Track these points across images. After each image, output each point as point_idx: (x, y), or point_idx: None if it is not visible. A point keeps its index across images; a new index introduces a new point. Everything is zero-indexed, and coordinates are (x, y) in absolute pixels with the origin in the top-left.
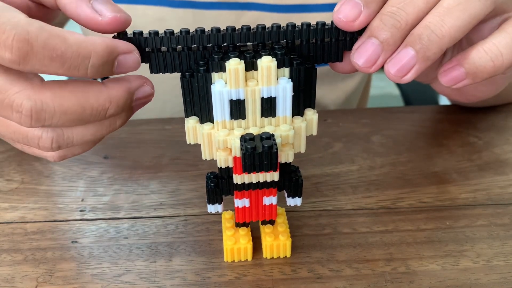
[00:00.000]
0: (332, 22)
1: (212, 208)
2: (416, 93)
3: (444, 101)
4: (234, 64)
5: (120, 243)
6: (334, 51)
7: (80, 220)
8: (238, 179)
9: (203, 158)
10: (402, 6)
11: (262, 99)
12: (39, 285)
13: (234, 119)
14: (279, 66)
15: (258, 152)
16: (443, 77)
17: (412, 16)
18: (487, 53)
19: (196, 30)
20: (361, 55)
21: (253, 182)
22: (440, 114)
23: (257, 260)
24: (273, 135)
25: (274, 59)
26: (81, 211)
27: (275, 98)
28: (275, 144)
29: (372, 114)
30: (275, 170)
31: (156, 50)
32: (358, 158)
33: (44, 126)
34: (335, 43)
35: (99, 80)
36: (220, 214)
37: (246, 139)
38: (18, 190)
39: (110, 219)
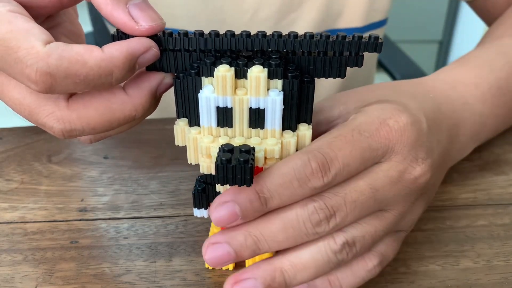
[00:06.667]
0: (337, 35)
1: (198, 213)
2: None
3: None
4: (223, 71)
5: (120, 243)
6: (336, 66)
7: (80, 220)
8: (220, 188)
9: (188, 162)
10: (269, 238)
11: (250, 109)
12: (39, 285)
13: (221, 127)
14: (271, 77)
15: (231, 165)
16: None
17: (272, 245)
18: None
19: (194, 33)
20: (212, 251)
21: None
22: None
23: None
24: (253, 148)
25: (266, 69)
26: (81, 211)
27: (263, 109)
28: (252, 159)
29: None
30: (248, 185)
31: None
32: None
33: (76, 136)
34: (338, 58)
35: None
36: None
37: (224, 149)
38: (18, 190)
39: (110, 219)
